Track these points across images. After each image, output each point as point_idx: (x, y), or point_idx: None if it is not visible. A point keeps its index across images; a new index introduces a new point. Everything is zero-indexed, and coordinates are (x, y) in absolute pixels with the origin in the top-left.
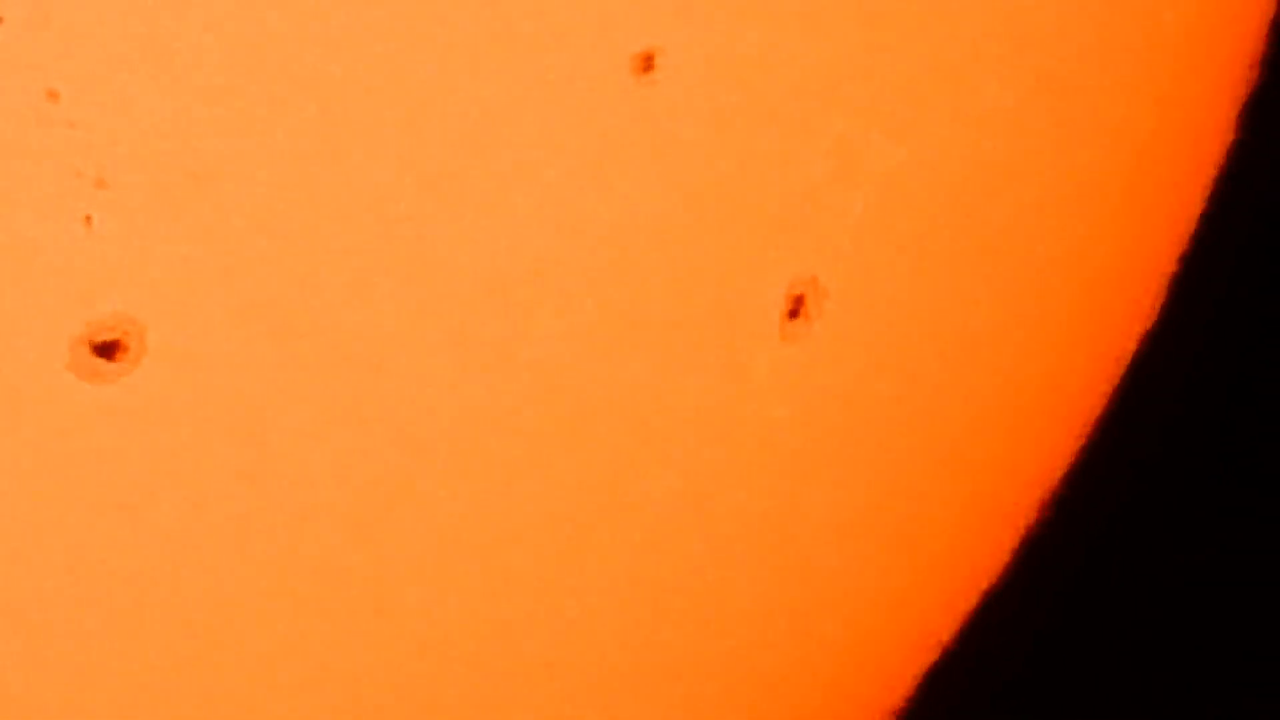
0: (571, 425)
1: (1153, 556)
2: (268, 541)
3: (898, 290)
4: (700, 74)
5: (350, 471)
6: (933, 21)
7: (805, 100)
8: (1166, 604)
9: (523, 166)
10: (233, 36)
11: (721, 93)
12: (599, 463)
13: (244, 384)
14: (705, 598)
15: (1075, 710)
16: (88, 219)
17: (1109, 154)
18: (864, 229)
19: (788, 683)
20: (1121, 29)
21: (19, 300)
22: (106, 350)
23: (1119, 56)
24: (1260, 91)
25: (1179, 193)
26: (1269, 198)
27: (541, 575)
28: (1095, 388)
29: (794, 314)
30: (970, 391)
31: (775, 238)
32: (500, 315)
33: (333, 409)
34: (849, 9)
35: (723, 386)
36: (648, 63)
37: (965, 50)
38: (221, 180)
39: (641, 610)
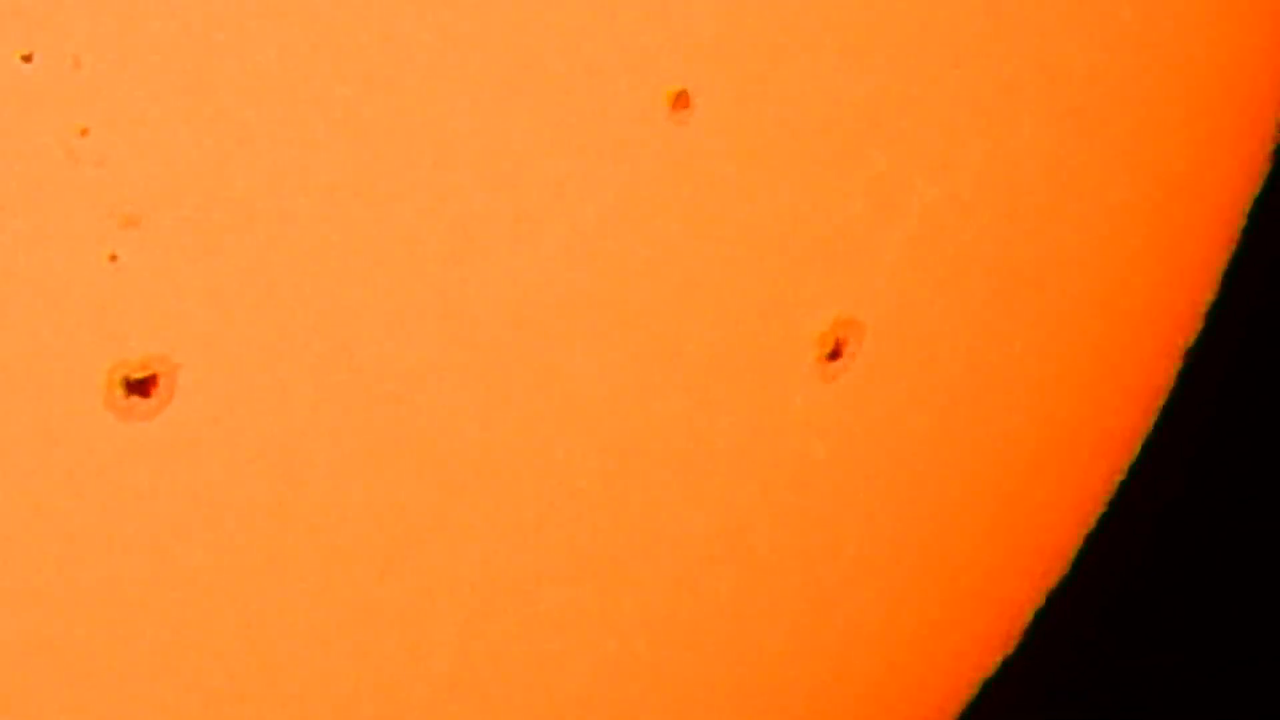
0: (608, 464)
1: (1188, 607)
2: (302, 577)
3: (936, 328)
4: (735, 112)
5: (384, 508)
6: (969, 60)
7: (842, 139)
8: (1208, 658)
9: (559, 204)
10: (264, 75)
11: (757, 131)
12: (636, 501)
13: (277, 419)
14: (743, 636)
15: None
16: (118, 256)
17: (1144, 191)
18: (902, 267)
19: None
20: (1156, 69)
21: (55, 336)
22: (141, 387)
23: (1154, 96)
24: None
25: (1213, 227)
26: None
27: (578, 612)
28: (1132, 422)
29: (833, 353)
30: (1008, 429)
31: (813, 276)
32: (536, 353)
33: (367, 445)
34: (885, 48)
35: (761, 425)
36: (682, 101)
37: (1002, 88)
38: (253, 217)
39: (677, 646)
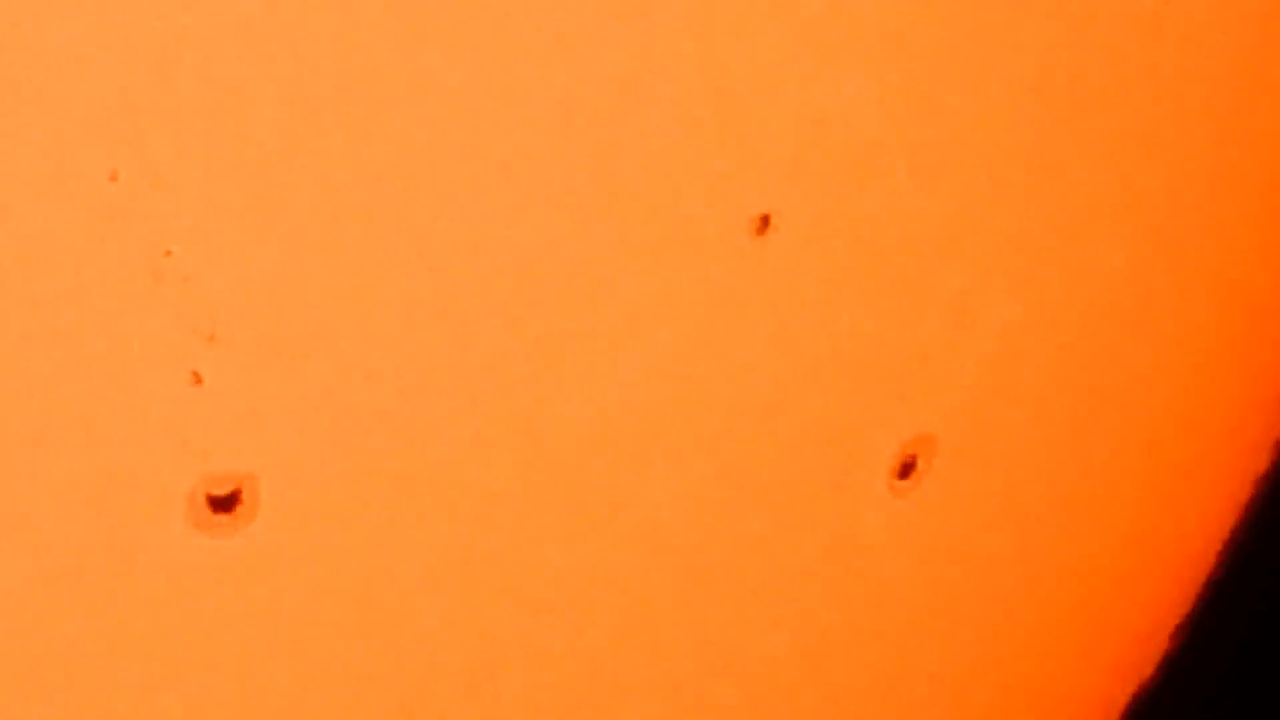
0: (685, 582)
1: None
2: (384, 696)
3: (1010, 447)
4: (816, 234)
5: (465, 628)
6: (1045, 181)
7: (920, 259)
8: None
9: (640, 323)
10: (342, 193)
11: (837, 253)
12: (713, 621)
13: (360, 536)
14: None
15: None
16: (202, 374)
17: (1223, 310)
18: (977, 386)
19: None
20: (1236, 188)
21: (140, 453)
22: (224, 503)
23: (1234, 215)
24: None
25: None
26: None
27: None
28: (1210, 541)
29: (906, 471)
30: (1083, 548)
31: (889, 394)
32: (615, 472)
33: (449, 563)
34: (961, 170)
35: (835, 543)
36: (764, 223)
37: (1078, 208)
38: (334, 335)
39: None
